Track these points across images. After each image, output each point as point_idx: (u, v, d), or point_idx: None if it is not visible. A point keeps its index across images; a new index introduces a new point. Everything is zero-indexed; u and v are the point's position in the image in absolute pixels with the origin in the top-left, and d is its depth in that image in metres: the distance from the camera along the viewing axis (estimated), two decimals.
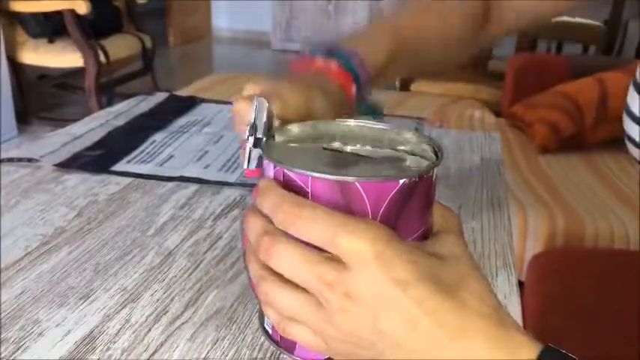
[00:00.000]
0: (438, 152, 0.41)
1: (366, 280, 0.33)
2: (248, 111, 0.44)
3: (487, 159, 0.90)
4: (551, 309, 1.16)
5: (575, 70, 2.31)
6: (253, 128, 0.42)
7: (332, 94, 0.52)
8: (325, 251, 0.34)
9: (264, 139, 0.42)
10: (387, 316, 0.33)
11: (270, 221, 0.36)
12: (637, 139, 0.56)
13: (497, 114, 2.42)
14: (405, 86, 2.91)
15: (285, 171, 0.38)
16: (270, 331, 0.44)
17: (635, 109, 0.56)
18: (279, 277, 0.36)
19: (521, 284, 0.66)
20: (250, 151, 0.42)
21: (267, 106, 0.43)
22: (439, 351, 0.33)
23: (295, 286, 0.35)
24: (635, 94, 0.57)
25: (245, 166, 0.42)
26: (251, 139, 0.42)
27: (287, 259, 0.35)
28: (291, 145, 0.43)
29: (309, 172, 0.36)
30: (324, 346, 0.36)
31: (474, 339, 0.33)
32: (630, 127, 0.57)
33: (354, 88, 0.54)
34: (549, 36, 3.13)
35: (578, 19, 3.11)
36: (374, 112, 0.58)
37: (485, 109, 2.41)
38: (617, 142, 2.02)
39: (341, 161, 0.41)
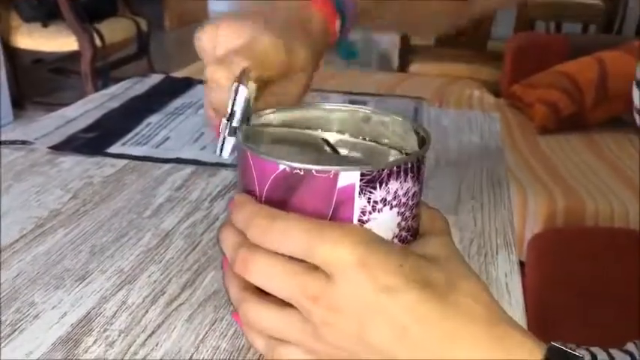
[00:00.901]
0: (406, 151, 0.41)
1: (350, 289, 0.31)
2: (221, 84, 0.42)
3: (486, 139, 0.89)
4: (551, 288, 1.16)
5: (575, 49, 2.30)
6: (231, 116, 0.40)
7: (314, 33, 0.48)
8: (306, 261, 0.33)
9: (241, 126, 0.40)
10: (373, 326, 0.31)
11: (246, 237, 0.34)
12: None
13: (497, 94, 2.41)
14: (403, 67, 2.89)
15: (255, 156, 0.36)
16: None
17: None
18: (260, 296, 0.34)
19: (521, 264, 0.66)
20: (224, 140, 0.40)
21: (246, 93, 0.40)
22: (431, 359, 0.31)
23: (277, 303, 0.33)
24: None
25: (218, 154, 0.41)
26: (226, 127, 0.40)
27: (265, 272, 0.33)
28: (278, 133, 0.42)
29: (274, 159, 0.35)
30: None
31: (467, 344, 0.31)
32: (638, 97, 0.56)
33: (338, 23, 0.50)
34: (548, 15, 3.11)
35: None
36: (351, 53, 0.56)
37: (484, 89, 2.40)
38: (617, 121, 2.02)
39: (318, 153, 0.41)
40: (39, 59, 3.44)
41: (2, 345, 0.44)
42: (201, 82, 1.11)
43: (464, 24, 0.70)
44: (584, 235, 1.41)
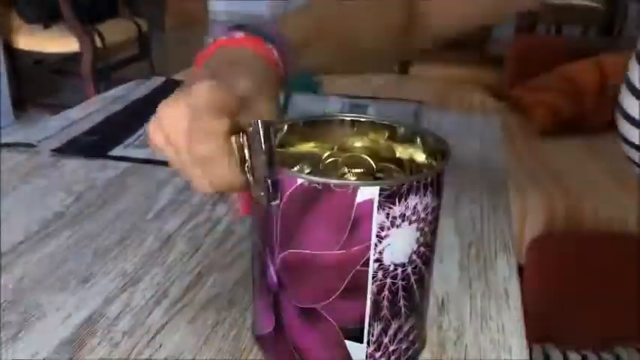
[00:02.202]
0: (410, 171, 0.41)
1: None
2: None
3: (487, 142, 0.90)
4: (550, 292, 1.17)
5: (575, 52, 2.30)
6: (267, 153, 0.35)
7: (263, 75, 0.44)
8: None
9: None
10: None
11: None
12: (637, 142, 0.54)
13: (497, 97, 2.41)
14: (403, 69, 2.90)
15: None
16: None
17: (632, 112, 0.54)
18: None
19: (520, 268, 0.67)
20: (269, 184, 0.36)
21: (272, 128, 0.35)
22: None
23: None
24: (631, 95, 0.55)
25: (273, 202, 0.36)
26: (265, 167, 0.35)
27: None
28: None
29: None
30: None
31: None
32: (627, 129, 0.55)
33: (280, 62, 0.47)
34: (549, 18, 3.12)
35: (577, 1, 3.09)
36: (310, 88, 0.54)
37: (485, 92, 2.40)
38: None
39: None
40: (40, 60, 3.44)
41: (8, 346, 0.44)
42: None
43: (413, 56, 0.68)
44: (584, 239, 1.41)
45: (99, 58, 3.16)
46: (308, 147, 0.44)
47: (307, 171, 0.44)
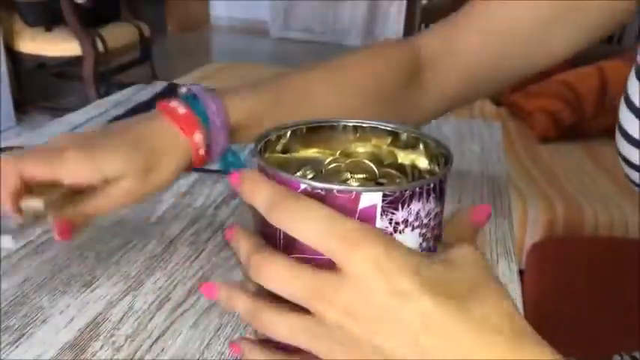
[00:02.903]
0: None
1: (364, 293, 0.30)
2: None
3: (487, 147, 0.90)
4: (550, 297, 1.17)
5: (575, 58, 2.30)
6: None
7: (158, 146, 0.48)
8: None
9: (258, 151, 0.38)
10: (385, 331, 0.30)
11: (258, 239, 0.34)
12: (637, 162, 0.53)
13: (497, 103, 2.42)
14: None
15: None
16: None
17: (631, 131, 0.53)
18: (274, 304, 0.33)
19: (521, 273, 0.67)
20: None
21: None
22: None
23: (292, 309, 0.32)
24: (630, 114, 0.53)
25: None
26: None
27: (279, 274, 0.32)
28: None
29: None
30: None
31: (483, 356, 0.30)
32: (627, 150, 0.54)
33: (198, 135, 0.48)
34: None
35: None
36: (230, 163, 0.53)
37: (485, 97, 2.40)
38: None
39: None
40: (42, 64, 3.45)
41: (11, 349, 0.44)
42: None
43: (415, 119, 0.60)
44: (584, 244, 1.41)
45: (100, 62, 3.17)
46: (311, 152, 0.44)
47: (310, 176, 0.44)
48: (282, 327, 0.33)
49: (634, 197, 1.66)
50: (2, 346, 0.45)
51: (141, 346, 0.45)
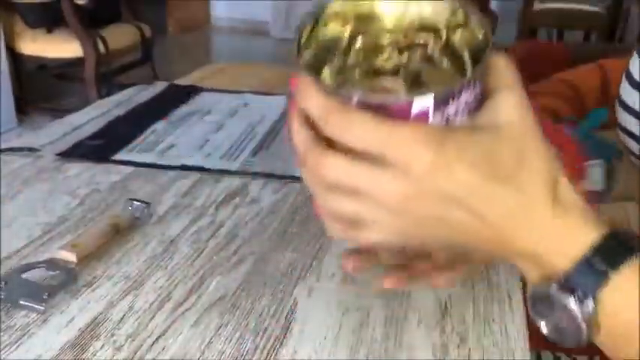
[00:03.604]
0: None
1: (423, 186, 0.32)
2: None
3: None
4: None
5: (577, 57, 2.30)
6: None
7: None
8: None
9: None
10: (450, 216, 0.33)
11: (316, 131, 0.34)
12: (637, 132, 0.54)
13: None
14: None
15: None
16: None
17: (627, 99, 0.55)
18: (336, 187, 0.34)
19: None
20: None
21: None
22: (497, 244, 0.34)
23: (351, 192, 0.34)
24: (628, 85, 0.55)
25: None
26: None
27: (337, 170, 0.33)
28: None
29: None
30: (397, 233, 0.35)
31: (528, 223, 0.33)
32: (626, 119, 0.56)
33: None
34: (550, 23, 3.12)
35: (579, 6, 3.10)
36: None
37: None
38: None
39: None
40: (43, 65, 3.45)
41: (12, 349, 0.44)
42: (204, 89, 1.12)
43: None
44: None
45: (101, 63, 3.17)
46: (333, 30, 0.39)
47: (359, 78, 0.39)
48: (345, 206, 0.35)
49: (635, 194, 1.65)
50: (3, 346, 0.45)
51: (141, 345, 0.45)
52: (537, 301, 0.36)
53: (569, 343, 0.36)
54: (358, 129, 0.32)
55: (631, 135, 0.54)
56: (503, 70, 0.35)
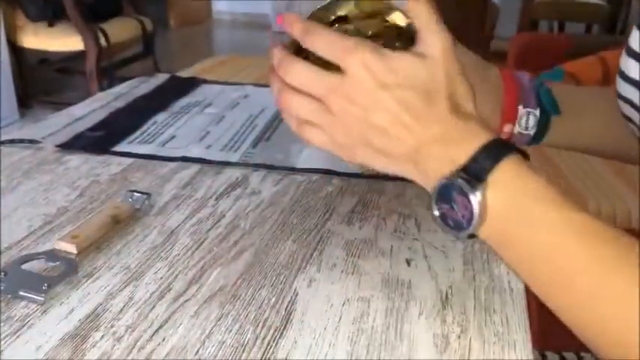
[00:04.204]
0: None
1: (358, 85, 0.43)
2: None
3: None
4: None
5: (578, 49, 2.30)
6: None
7: None
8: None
9: None
10: (375, 112, 0.43)
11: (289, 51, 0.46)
12: (637, 102, 0.56)
13: None
14: None
15: None
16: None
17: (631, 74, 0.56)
18: (295, 90, 0.45)
19: None
20: None
21: None
22: (411, 139, 0.43)
23: (308, 94, 0.45)
24: (629, 58, 0.57)
25: None
26: None
27: (300, 74, 0.45)
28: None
29: None
30: (331, 141, 0.45)
31: (434, 132, 0.43)
32: (626, 90, 0.57)
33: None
34: (551, 15, 3.11)
35: None
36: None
37: None
38: None
39: None
40: (44, 59, 3.45)
41: (11, 340, 0.44)
42: (205, 81, 1.11)
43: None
44: None
45: (103, 57, 3.17)
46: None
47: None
48: (298, 104, 0.45)
49: (637, 188, 1.65)
50: (3, 336, 0.44)
51: (141, 336, 0.45)
52: (439, 196, 0.44)
53: (457, 231, 0.44)
54: (322, 39, 0.44)
55: (632, 105, 0.55)
56: (427, 15, 0.44)
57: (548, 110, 0.60)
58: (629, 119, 0.57)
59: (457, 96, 0.44)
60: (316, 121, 0.45)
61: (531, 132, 0.61)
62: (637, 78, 0.54)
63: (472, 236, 0.44)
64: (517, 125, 0.60)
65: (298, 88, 0.45)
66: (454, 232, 0.44)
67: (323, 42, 0.44)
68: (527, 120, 0.60)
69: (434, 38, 0.44)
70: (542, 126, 0.61)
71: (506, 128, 0.60)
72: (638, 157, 0.63)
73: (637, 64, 0.54)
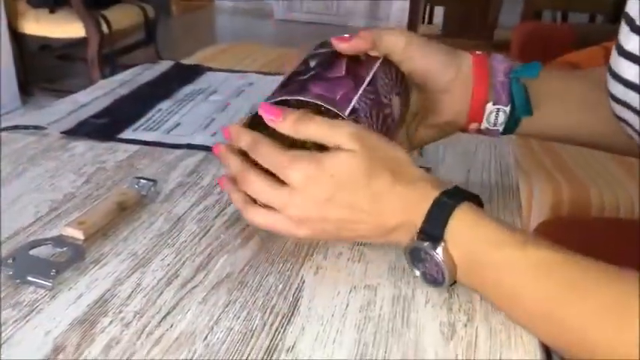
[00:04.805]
0: None
1: (308, 198, 0.47)
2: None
3: None
4: None
5: (582, 39, 2.29)
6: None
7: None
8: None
9: None
10: (331, 213, 0.48)
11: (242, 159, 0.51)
12: (637, 81, 0.53)
13: None
14: None
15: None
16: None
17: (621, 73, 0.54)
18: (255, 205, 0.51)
19: None
20: None
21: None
22: (371, 220, 0.48)
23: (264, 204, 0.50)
24: (633, 34, 0.54)
25: None
26: None
27: (254, 184, 0.49)
28: None
29: None
30: (305, 237, 0.50)
31: (390, 208, 0.48)
32: (613, 86, 0.55)
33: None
34: (554, 5, 3.09)
35: None
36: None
37: None
38: None
39: None
40: (46, 45, 3.44)
41: (20, 325, 0.45)
42: (210, 68, 1.11)
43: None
44: (589, 225, 1.41)
45: (105, 44, 3.16)
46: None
47: None
48: (260, 219, 0.51)
49: (638, 178, 1.65)
50: (12, 321, 0.45)
51: (150, 322, 0.45)
52: (412, 258, 0.49)
53: (440, 284, 0.48)
54: (263, 152, 0.49)
55: (630, 86, 0.53)
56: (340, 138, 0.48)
57: (518, 111, 0.59)
58: (624, 120, 0.56)
59: (395, 164, 0.48)
60: (283, 230, 0.50)
61: (500, 128, 0.61)
62: (636, 52, 0.52)
63: (454, 282, 0.48)
64: (485, 121, 0.60)
65: (254, 197, 0.50)
66: (437, 286, 0.49)
67: (264, 155, 0.49)
68: (496, 117, 0.60)
69: (339, 136, 0.47)
70: (514, 121, 0.60)
71: (473, 126, 0.61)
72: (620, 147, 0.64)
73: (637, 36, 0.52)
